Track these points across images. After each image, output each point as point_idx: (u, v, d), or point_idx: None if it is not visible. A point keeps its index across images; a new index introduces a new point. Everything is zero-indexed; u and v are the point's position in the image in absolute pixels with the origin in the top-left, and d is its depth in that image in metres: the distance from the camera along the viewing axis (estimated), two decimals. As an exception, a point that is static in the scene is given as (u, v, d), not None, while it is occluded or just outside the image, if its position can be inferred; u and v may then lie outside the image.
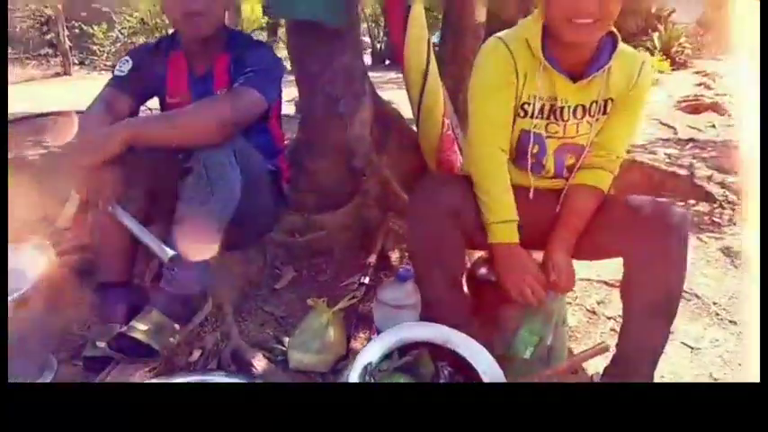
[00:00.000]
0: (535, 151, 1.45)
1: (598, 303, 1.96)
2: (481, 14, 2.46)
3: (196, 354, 1.49)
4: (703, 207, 2.74)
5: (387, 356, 1.24)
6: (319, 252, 2.06)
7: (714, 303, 1.96)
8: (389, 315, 1.35)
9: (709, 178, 2.83)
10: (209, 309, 1.59)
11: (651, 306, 1.35)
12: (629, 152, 2.93)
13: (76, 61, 9.95)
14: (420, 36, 2.02)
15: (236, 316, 1.69)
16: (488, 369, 1.20)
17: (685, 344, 1.75)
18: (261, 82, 1.60)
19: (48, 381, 1.41)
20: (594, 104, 1.40)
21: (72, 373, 1.45)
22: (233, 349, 1.51)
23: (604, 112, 1.42)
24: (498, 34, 1.42)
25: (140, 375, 1.35)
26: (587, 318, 1.90)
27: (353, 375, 1.17)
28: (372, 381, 1.16)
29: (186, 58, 1.73)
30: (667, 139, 3.90)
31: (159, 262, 1.47)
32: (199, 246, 1.45)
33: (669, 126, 4.40)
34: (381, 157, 2.41)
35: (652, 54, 6.95)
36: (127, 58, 1.72)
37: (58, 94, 6.54)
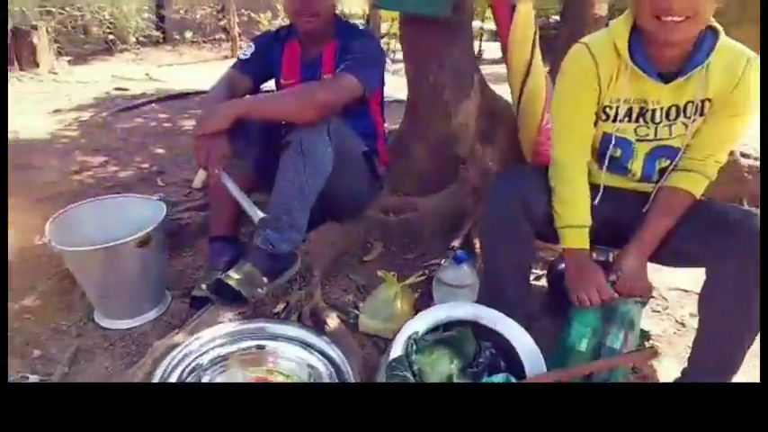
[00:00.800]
0: (617, 155, 1.42)
1: (690, 315, 1.85)
2: (602, 8, 2.39)
3: (280, 306, 1.69)
4: None
5: (433, 330, 1.32)
6: (409, 232, 2.17)
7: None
8: (447, 294, 1.43)
9: None
10: (297, 268, 1.77)
11: (728, 324, 1.28)
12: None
13: (243, 45, 10.95)
14: (525, 35, 2.03)
15: (323, 279, 1.87)
16: (529, 354, 1.24)
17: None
18: (359, 69, 1.74)
19: (160, 313, 1.70)
20: (690, 105, 1.32)
21: (181, 308, 1.72)
22: (312, 307, 1.69)
23: (702, 113, 1.33)
24: (585, 38, 1.40)
25: (230, 316, 1.56)
26: (675, 329, 1.81)
27: (398, 341, 1.28)
28: (415, 349, 1.26)
29: (300, 46, 1.93)
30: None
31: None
32: (289, 212, 1.63)
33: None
34: (486, 148, 2.46)
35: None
36: (251, 44, 1.96)
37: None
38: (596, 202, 1.44)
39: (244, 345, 1.38)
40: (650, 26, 1.23)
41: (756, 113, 1.33)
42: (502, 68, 2.30)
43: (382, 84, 1.97)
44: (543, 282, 1.91)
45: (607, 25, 1.39)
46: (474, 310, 1.33)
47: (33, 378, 1.45)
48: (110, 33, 6.84)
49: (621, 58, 1.32)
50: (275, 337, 1.41)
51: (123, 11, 7.01)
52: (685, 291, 1.95)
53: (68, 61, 5.87)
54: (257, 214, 1.53)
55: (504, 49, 2.09)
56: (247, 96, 1.71)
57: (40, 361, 1.52)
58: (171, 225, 2.08)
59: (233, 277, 1.60)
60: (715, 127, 1.33)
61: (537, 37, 2.05)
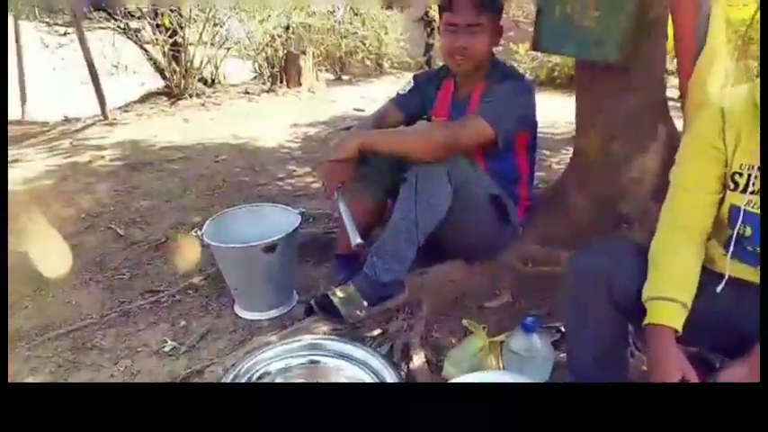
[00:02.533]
0: (748, 234, 1.16)
1: None
2: None
3: (376, 332, 1.76)
4: None
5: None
6: (544, 287, 2.03)
7: None
8: (513, 363, 1.33)
9: None
10: (403, 299, 1.82)
11: None
12: None
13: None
14: (713, 74, 1.73)
15: (432, 316, 1.88)
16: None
17: None
18: (494, 113, 1.73)
19: (285, 312, 1.92)
20: None
21: (299, 312, 1.90)
22: (406, 340, 1.72)
23: None
24: (727, 91, 1.18)
25: (326, 330, 1.70)
26: None
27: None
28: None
29: (455, 85, 1.98)
30: None
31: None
32: (395, 243, 1.70)
33: None
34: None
35: None
36: (411, 80, 2.08)
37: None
38: (719, 289, 1.19)
39: (311, 359, 1.50)
40: None
41: None
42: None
43: (528, 127, 1.90)
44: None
45: None
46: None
47: (171, 344, 1.78)
48: (368, 59, 7.68)
49: (758, 118, 1.08)
50: (341, 356, 1.49)
51: (383, 39, 7.79)
52: None
53: (328, 81, 6.78)
54: (355, 239, 1.63)
55: (684, 96, 1.82)
56: (379, 130, 1.82)
57: (181, 330, 1.86)
58: (321, 237, 2.32)
59: (337, 295, 1.73)
60: None
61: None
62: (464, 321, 1.63)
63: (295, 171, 3.34)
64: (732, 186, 1.16)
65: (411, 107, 2.04)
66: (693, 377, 1.10)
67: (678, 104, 2.10)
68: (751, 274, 1.19)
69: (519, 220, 1.98)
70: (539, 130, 2.00)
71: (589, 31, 1.80)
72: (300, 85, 5.97)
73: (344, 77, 7.57)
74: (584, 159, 2.19)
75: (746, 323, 1.11)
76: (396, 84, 8.71)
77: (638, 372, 1.50)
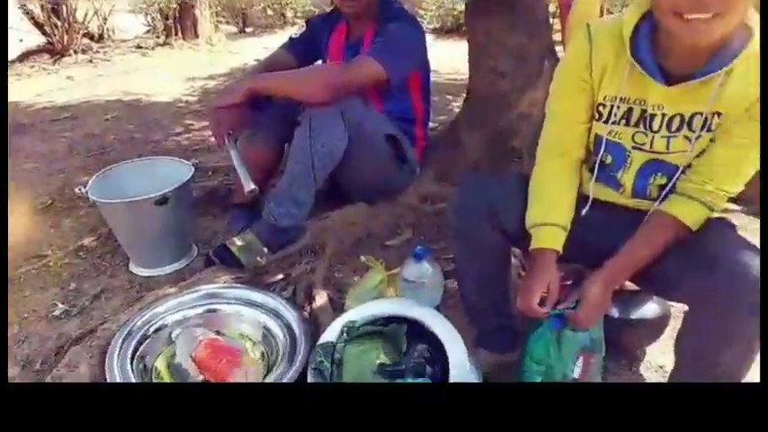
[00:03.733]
0: (608, 162, 1.23)
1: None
2: None
3: (278, 277, 1.77)
4: None
5: (372, 322, 1.30)
6: (444, 223, 2.10)
7: None
8: (408, 291, 1.38)
9: None
10: (305, 244, 1.83)
11: (693, 372, 1.11)
12: None
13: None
14: (589, 12, 1.82)
15: (338, 258, 1.90)
16: (458, 366, 1.16)
17: None
18: (384, 53, 1.72)
19: (184, 265, 1.87)
20: (698, 117, 1.08)
21: (200, 265, 1.86)
22: (309, 282, 1.74)
23: (709, 129, 1.09)
24: (594, 21, 1.22)
25: (226, 279, 1.68)
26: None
27: (333, 327, 1.28)
28: (346, 337, 1.25)
29: (347, 28, 1.95)
30: None
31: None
32: (292, 188, 1.69)
33: None
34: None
35: None
36: (304, 24, 2.04)
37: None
38: (584, 212, 1.27)
39: (208, 308, 1.48)
40: (671, 25, 1.00)
41: None
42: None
43: (421, 68, 1.92)
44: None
45: None
46: (416, 310, 1.27)
47: (62, 307, 1.70)
48: (272, 9, 7.38)
49: (624, 49, 1.11)
50: (238, 302, 1.49)
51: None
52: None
53: (231, 35, 6.49)
54: (248, 185, 1.61)
55: (563, 34, 1.90)
56: (269, 73, 1.78)
57: (72, 293, 1.78)
58: (220, 189, 2.27)
59: (235, 243, 1.71)
60: (724, 149, 1.08)
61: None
62: (362, 258, 1.66)
63: (192, 125, 3.21)
64: (597, 117, 1.21)
65: (304, 51, 2.00)
66: (555, 293, 1.17)
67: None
68: (613, 197, 1.28)
69: (416, 160, 2.02)
70: (444, 75, 2.03)
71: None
72: (197, 36, 5.68)
73: (248, 30, 7.26)
74: (476, 98, 2.25)
75: (608, 240, 1.18)
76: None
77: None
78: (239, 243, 1.71)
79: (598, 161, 1.24)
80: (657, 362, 1.52)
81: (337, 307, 1.68)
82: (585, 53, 1.17)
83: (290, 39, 2.02)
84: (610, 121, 1.18)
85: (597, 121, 1.21)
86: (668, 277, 1.13)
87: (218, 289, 1.55)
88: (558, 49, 2.32)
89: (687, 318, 1.12)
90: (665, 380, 1.47)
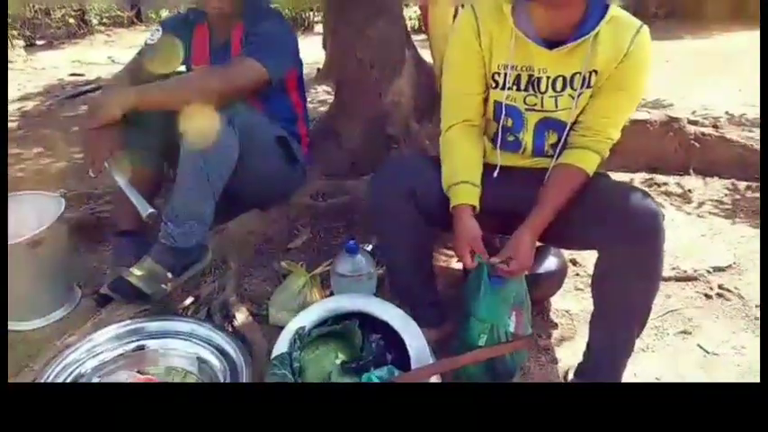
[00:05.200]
0: (509, 125, 1.37)
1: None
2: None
3: (188, 301, 1.65)
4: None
5: (322, 324, 1.29)
6: (339, 217, 2.12)
7: (757, 306, 1.72)
8: (343, 286, 1.39)
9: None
10: (208, 262, 1.73)
11: (613, 308, 1.27)
12: (717, 126, 2.62)
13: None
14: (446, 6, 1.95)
15: (241, 270, 1.82)
16: (416, 347, 1.20)
17: (701, 346, 1.58)
18: (262, 52, 1.67)
19: (69, 311, 1.66)
20: (578, 76, 1.27)
21: (89, 306, 1.66)
22: (223, 300, 1.65)
23: (589, 86, 1.29)
24: (475, 1, 1.35)
25: (131, 314, 1.52)
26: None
27: (283, 337, 1.24)
28: (299, 344, 1.22)
29: (210, 29, 1.85)
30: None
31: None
32: (189, 204, 1.58)
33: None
34: (423, 126, 2.40)
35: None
36: (158, 28, 1.88)
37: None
38: (494, 176, 1.39)
39: (130, 347, 1.34)
40: None
41: (643, 89, 1.28)
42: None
43: (296, 65, 1.90)
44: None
45: None
46: (362, 302, 1.29)
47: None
48: (72, 17, 6.66)
49: (507, 22, 1.27)
50: (163, 335, 1.37)
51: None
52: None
53: (26, 47, 5.73)
54: (146, 208, 1.48)
55: (426, 21, 2.01)
56: (141, 86, 1.64)
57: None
58: (87, 219, 2.04)
59: (134, 274, 1.55)
60: (603, 101, 1.29)
61: (458, 10, 1.97)
62: (282, 263, 1.62)
63: (22, 154, 2.81)
64: (494, 85, 1.34)
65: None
66: (480, 248, 1.28)
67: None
68: (515, 160, 1.42)
69: (305, 158, 2.00)
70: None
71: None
72: (-9, 54, 4.93)
73: (39, 42, 6.47)
74: (347, 89, 2.29)
75: (519, 201, 1.33)
76: (110, 43, 7.77)
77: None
78: (138, 273, 1.56)
79: (501, 125, 1.37)
80: (562, 308, 1.71)
81: (260, 320, 1.62)
82: (474, 27, 1.30)
83: (146, 45, 1.86)
84: (506, 88, 1.32)
85: (494, 89, 1.35)
86: (574, 228, 1.29)
87: (135, 325, 1.41)
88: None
89: (601, 262, 1.28)
90: (572, 321, 1.67)
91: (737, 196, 2.41)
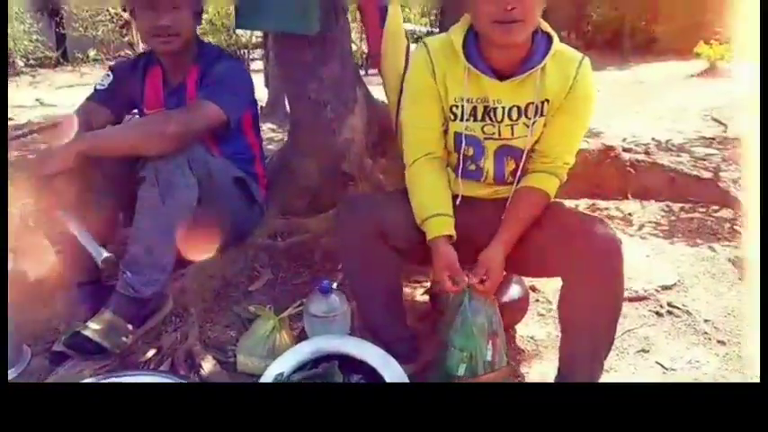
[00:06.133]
0: (470, 154, 1.43)
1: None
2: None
3: (150, 353, 1.58)
4: (727, 213, 2.55)
5: (300, 368, 1.27)
6: (300, 256, 2.10)
7: (705, 321, 1.83)
8: (318, 326, 1.38)
9: (736, 182, 2.63)
10: (169, 310, 1.68)
11: (580, 332, 1.33)
12: (648, 153, 2.80)
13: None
14: (397, 38, 2.01)
15: (202, 317, 1.77)
16: (395, 380, 1.20)
17: (660, 363, 1.65)
18: (220, 95, 1.66)
19: (18, 372, 1.55)
20: (531, 106, 1.36)
21: (42, 365, 1.57)
22: (187, 350, 1.59)
23: (542, 114, 1.37)
24: (426, 38, 1.43)
25: (90, 372, 1.45)
26: (559, 331, 1.84)
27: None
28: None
29: (162, 72, 1.83)
30: (712, 138, 3.64)
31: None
32: (150, 251, 1.53)
33: (720, 123, 4.10)
34: (376, 162, 2.43)
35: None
36: (108, 72, 1.84)
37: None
38: (456, 205, 1.43)
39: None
40: (488, 30, 1.26)
41: (591, 115, 1.40)
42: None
43: (251, 105, 1.90)
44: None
45: None
46: (340, 343, 1.28)
47: None
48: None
49: (459, 58, 1.34)
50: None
51: (10, 32, 6.54)
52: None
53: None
54: (100, 254, 1.42)
55: (377, 60, 2.06)
56: (95, 131, 1.59)
57: None
58: (34, 272, 1.92)
59: (92, 328, 1.48)
60: (556, 128, 1.39)
61: (409, 49, 2.04)
62: (250, 307, 1.58)
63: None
64: (452, 117, 1.40)
65: (117, 101, 1.81)
66: (458, 272, 1.32)
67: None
68: (476, 189, 1.48)
69: (263, 198, 1.99)
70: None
71: (288, 5, 1.87)
72: None
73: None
74: (301, 127, 2.30)
75: (477, 233, 1.39)
76: (35, 84, 7.49)
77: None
78: (96, 327, 1.49)
79: (461, 155, 1.43)
80: (527, 334, 1.76)
81: (227, 367, 1.58)
82: (428, 65, 1.37)
83: (96, 90, 1.81)
84: (464, 120, 1.39)
85: (453, 121, 1.41)
86: (535, 254, 1.35)
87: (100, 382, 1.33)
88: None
89: (565, 288, 1.34)
90: (538, 347, 1.71)
91: (673, 217, 2.57)
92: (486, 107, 1.37)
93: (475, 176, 1.46)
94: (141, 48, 9.96)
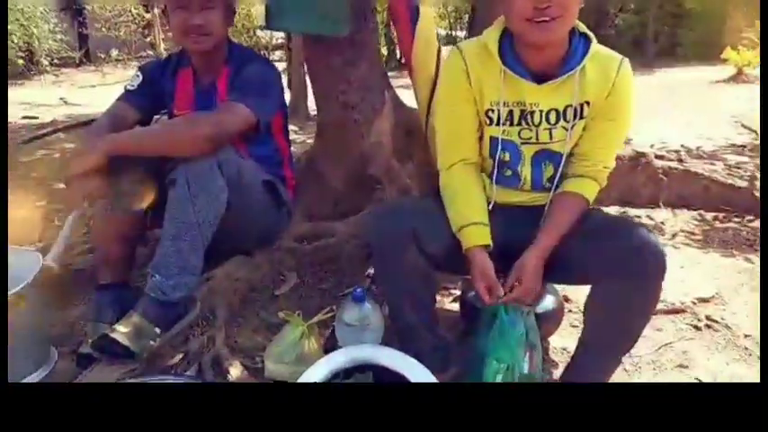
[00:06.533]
0: (507, 159, 1.39)
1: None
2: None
3: (177, 357, 1.56)
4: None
5: (334, 376, 1.23)
6: (325, 260, 2.07)
7: (746, 336, 1.77)
8: (350, 335, 1.34)
9: (774, 192, 2.55)
10: (196, 314, 1.65)
11: (605, 338, 1.30)
12: (681, 160, 2.73)
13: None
14: (429, 50, 1.97)
15: (229, 321, 1.74)
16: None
17: (698, 379, 1.59)
18: (250, 96, 1.64)
19: (45, 374, 1.54)
20: (570, 108, 1.31)
21: (68, 368, 1.55)
22: (214, 355, 1.57)
23: (582, 117, 1.33)
24: (460, 43, 1.39)
25: (118, 375, 1.43)
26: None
27: (294, 394, 1.18)
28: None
29: (194, 73, 1.81)
30: (743, 146, 3.55)
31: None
32: (180, 254, 1.51)
33: (751, 130, 4.01)
34: (404, 166, 2.39)
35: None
36: (138, 73, 1.83)
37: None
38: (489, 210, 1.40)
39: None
40: (523, 29, 1.22)
41: (632, 117, 1.36)
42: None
43: (282, 108, 1.88)
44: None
45: None
46: (373, 353, 1.24)
47: None
48: (20, 58, 6.44)
49: (494, 61, 1.30)
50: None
51: (34, 33, 6.61)
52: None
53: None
54: (52, 257, 1.46)
55: (409, 64, 2.03)
56: (125, 131, 1.58)
57: None
58: (61, 272, 1.91)
59: (120, 331, 1.46)
60: (596, 131, 1.34)
61: (440, 52, 2.00)
62: (279, 313, 1.55)
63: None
64: (488, 122, 1.36)
65: (146, 102, 1.80)
66: (493, 282, 1.29)
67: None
68: (513, 196, 1.44)
69: (291, 201, 1.96)
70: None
71: (318, 6, 1.84)
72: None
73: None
74: (329, 130, 2.27)
75: (517, 239, 1.34)
76: (59, 83, 7.56)
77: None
78: (124, 329, 1.46)
79: (497, 160, 1.39)
80: (560, 346, 1.71)
81: (254, 372, 1.55)
82: (462, 69, 1.33)
83: (126, 90, 1.80)
84: (500, 124, 1.35)
85: (489, 125, 1.37)
86: (572, 261, 1.31)
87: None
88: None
89: (597, 294, 1.29)
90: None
91: (707, 227, 2.50)
92: (522, 111, 1.33)
93: (512, 183, 1.42)
94: (163, 48, 10.09)
